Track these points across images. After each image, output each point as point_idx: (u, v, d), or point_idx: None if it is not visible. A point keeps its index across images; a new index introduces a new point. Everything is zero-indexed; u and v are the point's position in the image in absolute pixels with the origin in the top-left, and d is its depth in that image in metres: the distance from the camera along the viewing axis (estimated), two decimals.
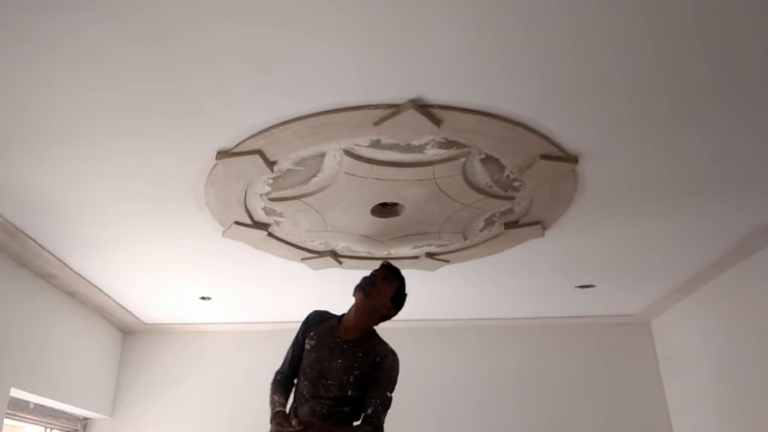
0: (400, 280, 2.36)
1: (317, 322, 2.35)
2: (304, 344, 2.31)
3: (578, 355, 4.42)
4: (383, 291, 2.30)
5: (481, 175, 2.40)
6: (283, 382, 2.30)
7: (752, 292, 3.20)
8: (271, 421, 2.16)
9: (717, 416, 3.60)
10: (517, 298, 3.94)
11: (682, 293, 3.80)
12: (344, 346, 2.23)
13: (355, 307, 2.28)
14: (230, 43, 1.67)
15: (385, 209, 2.63)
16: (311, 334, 2.30)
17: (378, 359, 2.20)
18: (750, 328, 3.25)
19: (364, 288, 2.27)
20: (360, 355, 2.21)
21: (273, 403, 2.22)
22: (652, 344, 4.43)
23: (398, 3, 1.53)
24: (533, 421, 4.25)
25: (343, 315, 2.35)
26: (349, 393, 2.17)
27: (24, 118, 2.01)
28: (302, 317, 2.47)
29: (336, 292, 3.60)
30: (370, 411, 2.11)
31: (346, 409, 2.19)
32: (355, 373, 2.17)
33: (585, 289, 3.77)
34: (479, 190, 2.47)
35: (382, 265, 2.39)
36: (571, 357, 4.42)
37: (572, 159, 2.23)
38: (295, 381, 2.32)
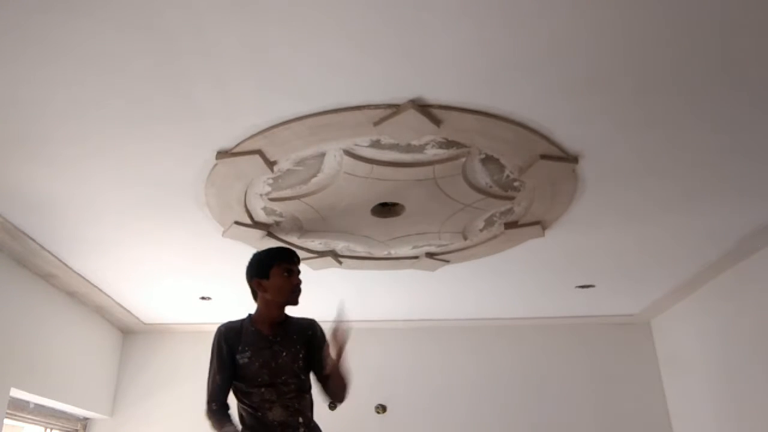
0: None
1: (234, 335, 2.37)
2: (231, 363, 2.31)
3: (578, 355, 4.42)
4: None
5: (481, 175, 2.40)
6: (222, 413, 2.28)
7: (752, 292, 3.20)
8: None
9: (717, 416, 3.60)
10: (517, 298, 3.94)
11: (682, 293, 3.80)
12: (278, 339, 2.31)
13: (277, 307, 2.36)
14: (230, 44, 1.67)
15: (385, 209, 2.63)
16: (240, 348, 2.31)
17: (309, 332, 2.36)
18: (750, 327, 3.25)
19: (297, 300, 2.38)
20: (294, 338, 2.33)
21: None
22: (652, 344, 4.43)
23: (398, 3, 1.53)
24: (534, 421, 4.25)
25: (251, 315, 2.41)
26: (303, 377, 2.28)
27: (24, 118, 2.01)
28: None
29: (336, 292, 3.60)
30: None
31: (307, 395, 2.29)
32: (300, 356, 2.29)
33: (585, 289, 3.77)
34: (479, 190, 2.47)
35: (295, 261, 2.40)
36: (571, 357, 4.42)
37: (572, 159, 2.23)
38: (241, 396, 2.30)
